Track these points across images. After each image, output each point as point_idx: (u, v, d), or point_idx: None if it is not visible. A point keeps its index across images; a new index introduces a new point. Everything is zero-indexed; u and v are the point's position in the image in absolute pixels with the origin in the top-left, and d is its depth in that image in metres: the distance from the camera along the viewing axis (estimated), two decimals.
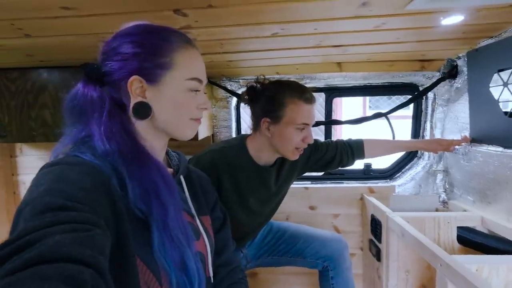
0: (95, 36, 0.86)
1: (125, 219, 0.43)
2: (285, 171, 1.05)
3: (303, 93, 0.90)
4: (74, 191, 0.37)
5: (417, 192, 1.47)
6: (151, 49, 0.49)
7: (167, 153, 0.63)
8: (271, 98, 0.91)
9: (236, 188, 0.95)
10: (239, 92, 1.48)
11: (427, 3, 0.71)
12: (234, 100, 1.52)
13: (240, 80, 1.46)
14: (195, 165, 0.92)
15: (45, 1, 0.66)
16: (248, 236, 1.08)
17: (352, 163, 1.16)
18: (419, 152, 1.52)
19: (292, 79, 1.43)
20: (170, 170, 0.61)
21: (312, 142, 0.91)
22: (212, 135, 1.53)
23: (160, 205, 0.46)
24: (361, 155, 1.15)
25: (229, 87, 1.47)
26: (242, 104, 1.55)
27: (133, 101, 0.49)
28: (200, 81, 0.54)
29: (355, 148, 1.13)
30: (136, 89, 0.49)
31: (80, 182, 0.39)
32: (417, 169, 1.48)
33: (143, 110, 0.49)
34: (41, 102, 1.20)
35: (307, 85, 1.47)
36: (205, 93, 0.57)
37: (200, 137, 1.25)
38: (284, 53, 1.15)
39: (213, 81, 1.45)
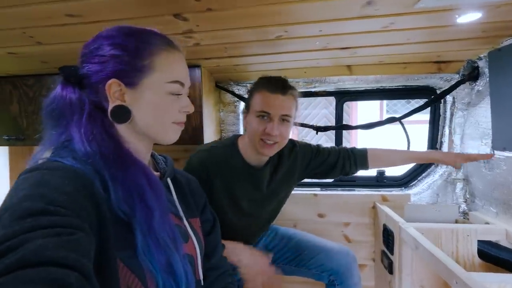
0: None
1: (108, 222, 0.42)
2: (280, 174, 1.01)
3: (271, 83, 0.88)
4: (56, 195, 0.37)
5: (435, 202, 1.38)
6: (130, 52, 0.48)
7: (153, 156, 0.63)
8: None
9: (227, 188, 0.93)
10: (247, 96, 1.47)
11: (438, 0, 0.67)
12: (242, 104, 1.51)
13: (248, 85, 1.45)
14: (186, 165, 0.92)
15: (51, 8, 0.68)
16: (246, 240, 1.05)
17: (355, 171, 1.10)
18: None
19: (300, 83, 1.41)
20: (156, 173, 0.60)
21: (273, 134, 0.85)
22: (220, 139, 1.52)
23: (145, 208, 0.45)
24: (365, 165, 1.08)
25: (236, 92, 1.46)
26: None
27: (111, 105, 0.48)
28: (182, 84, 0.53)
29: (358, 157, 1.07)
30: (114, 92, 0.48)
31: (61, 186, 0.38)
32: (434, 177, 1.39)
33: (122, 114, 0.48)
34: None
35: (316, 89, 1.46)
36: (188, 96, 0.57)
37: (207, 141, 1.25)
38: (290, 56, 1.13)
39: (221, 86, 1.45)
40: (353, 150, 1.09)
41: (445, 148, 1.37)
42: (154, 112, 0.51)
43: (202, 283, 0.60)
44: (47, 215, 0.34)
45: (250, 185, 0.96)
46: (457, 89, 1.24)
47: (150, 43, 0.50)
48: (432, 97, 1.33)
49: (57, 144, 0.46)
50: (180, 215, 0.59)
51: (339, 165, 1.06)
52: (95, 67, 0.48)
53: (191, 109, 0.55)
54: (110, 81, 0.47)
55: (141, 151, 0.54)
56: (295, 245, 1.06)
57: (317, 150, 1.08)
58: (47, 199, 0.36)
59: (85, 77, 0.49)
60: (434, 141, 1.42)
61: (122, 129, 0.51)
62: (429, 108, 1.38)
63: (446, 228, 1.05)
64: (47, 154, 0.46)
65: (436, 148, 1.42)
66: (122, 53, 0.48)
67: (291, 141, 1.05)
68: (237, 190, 0.94)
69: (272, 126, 0.85)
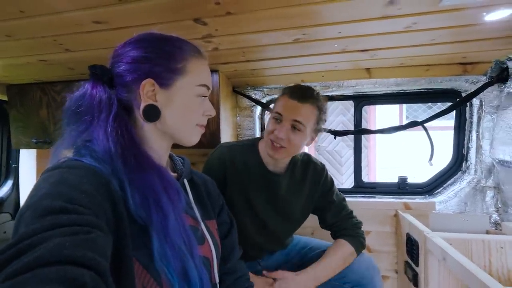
0: None
1: (125, 221, 0.42)
2: (293, 184, 0.99)
3: (293, 89, 0.90)
4: (74, 193, 0.37)
5: (462, 211, 1.30)
6: (165, 55, 0.51)
7: (171, 157, 0.64)
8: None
9: (241, 187, 0.93)
10: (264, 101, 1.47)
11: None
12: (259, 109, 1.51)
13: (265, 89, 1.46)
14: (206, 161, 0.95)
15: (79, 16, 0.72)
16: (263, 246, 1.02)
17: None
18: (463, 165, 1.35)
19: (317, 87, 1.40)
20: (174, 174, 0.61)
21: (279, 136, 0.84)
22: None
23: (161, 213, 0.45)
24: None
25: (253, 96, 1.47)
26: (266, 113, 1.54)
27: (143, 104, 0.50)
28: (208, 87, 0.56)
29: (338, 233, 1.04)
30: (147, 92, 0.50)
31: (80, 184, 0.39)
32: (461, 185, 1.31)
33: (153, 113, 0.50)
34: None
35: (334, 93, 1.44)
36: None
37: None
38: (308, 60, 1.12)
39: (238, 90, 1.46)
40: (342, 228, 1.04)
41: (472, 154, 1.30)
42: (182, 113, 0.53)
43: (218, 287, 0.59)
44: (66, 213, 0.35)
45: (264, 188, 0.95)
46: (485, 91, 1.18)
47: (183, 48, 0.53)
48: (457, 100, 1.27)
49: (77, 142, 0.47)
50: (196, 216, 0.58)
51: (327, 221, 1.04)
52: (130, 67, 0.50)
53: (213, 113, 0.58)
54: (145, 81, 0.49)
55: (161, 151, 0.55)
56: (317, 256, 1.02)
57: (331, 181, 1.05)
58: (66, 197, 0.36)
59: (118, 76, 0.50)
60: (460, 147, 1.35)
61: (147, 127, 0.52)
62: (453, 113, 1.32)
63: (477, 239, 0.98)
64: (69, 153, 0.47)
65: (463, 154, 1.35)
66: (157, 56, 0.50)
67: (306, 154, 1.05)
68: (251, 191, 0.94)
69: (280, 129, 0.85)
